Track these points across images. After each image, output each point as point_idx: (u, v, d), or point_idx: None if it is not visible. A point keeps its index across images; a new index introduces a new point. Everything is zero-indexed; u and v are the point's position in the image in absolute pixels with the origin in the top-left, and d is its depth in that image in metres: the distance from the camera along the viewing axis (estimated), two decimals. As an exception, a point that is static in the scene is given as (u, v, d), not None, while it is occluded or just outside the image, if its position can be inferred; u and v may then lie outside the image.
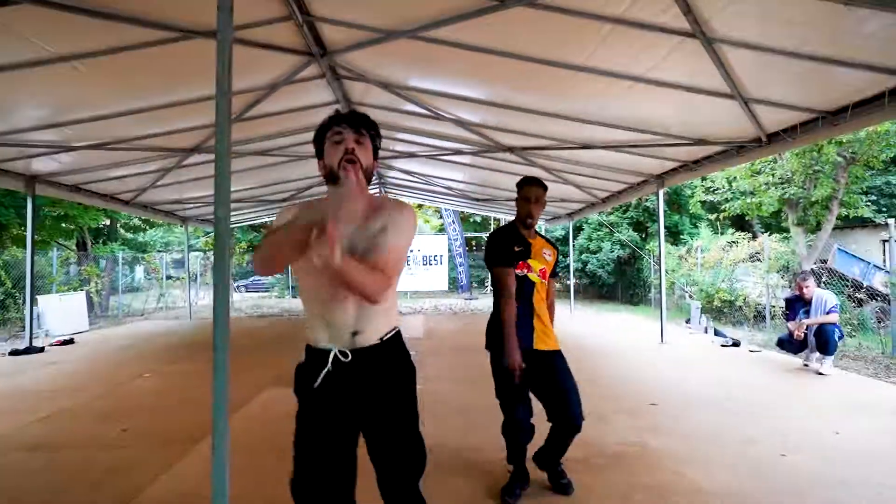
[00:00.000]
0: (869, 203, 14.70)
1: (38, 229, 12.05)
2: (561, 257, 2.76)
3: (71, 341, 7.63)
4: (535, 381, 2.51)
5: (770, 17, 2.99)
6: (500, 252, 2.56)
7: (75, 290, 10.97)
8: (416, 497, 1.55)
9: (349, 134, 1.48)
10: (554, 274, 2.70)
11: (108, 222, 16.52)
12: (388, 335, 1.53)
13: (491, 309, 2.65)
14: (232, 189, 8.02)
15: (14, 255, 9.62)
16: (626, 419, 3.71)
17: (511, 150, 6.70)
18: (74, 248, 13.99)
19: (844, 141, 8.21)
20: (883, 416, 3.76)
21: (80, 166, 6.89)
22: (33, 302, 8.59)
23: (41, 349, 6.79)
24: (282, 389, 4.48)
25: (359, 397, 1.50)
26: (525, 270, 2.57)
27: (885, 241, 13.28)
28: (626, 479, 2.71)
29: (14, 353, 6.56)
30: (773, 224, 15.41)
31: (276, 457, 3.00)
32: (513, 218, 2.75)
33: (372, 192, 1.51)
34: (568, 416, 2.44)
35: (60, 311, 9.28)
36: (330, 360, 1.46)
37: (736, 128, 4.85)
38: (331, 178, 1.49)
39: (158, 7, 3.50)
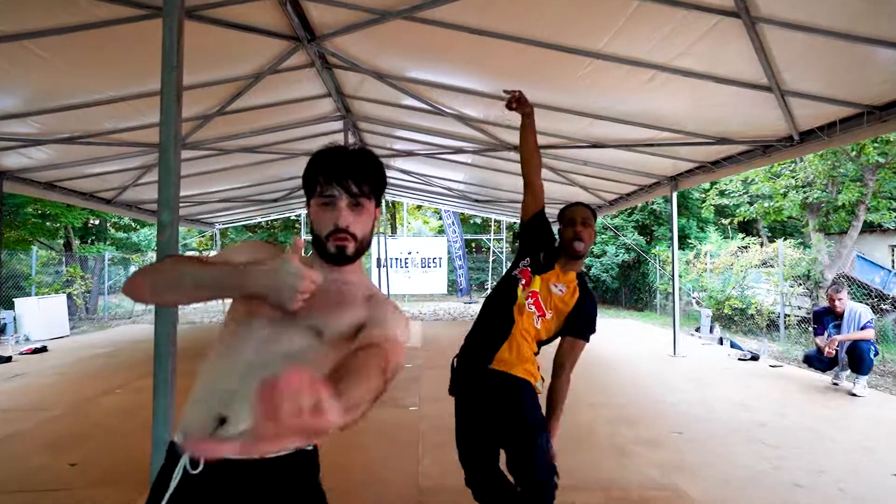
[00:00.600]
0: (891, 207, 14.25)
1: (19, 227, 11.57)
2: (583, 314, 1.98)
3: (44, 349, 7.15)
4: (490, 417, 1.89)
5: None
6: (543, 227, 2.10)
7: (56, 291, 10.50)
8: None
9: (344, 199, 1.07)
10: (575, 331, 1.93)
11: (96, 221, 16.05)
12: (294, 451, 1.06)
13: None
14: (220, 188, 7.56)
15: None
16: (649, 452, 3.27)
17: (516, 148, 6.25)
18: (62, 247, 13.51)
19: (890, 139, 7.51)
20: (938, 450, 3.33)
21: (54, 162, 6.42)
22: (7, 306, 8.12)
23: (8, 359, 6.32)
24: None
25: None
26: (522, 279, 1.98)
27: (893, 247, 12.89)
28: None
29: (-22, 362, 6.10)
30: (780, 228, 14.98)
31: None
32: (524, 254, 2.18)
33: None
34: (530, 475, 1.77)
35: (39, 315, 8.81)
36: (182, 467, 0.98)
37: (765, 124, 4.41)
38: (316, 247, 1.12)
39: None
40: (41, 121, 4.92)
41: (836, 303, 4.81)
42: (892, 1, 2.55)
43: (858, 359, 4.59)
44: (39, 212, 11.64)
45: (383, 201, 11.59)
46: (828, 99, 3.70)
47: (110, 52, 3.90)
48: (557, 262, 2.02)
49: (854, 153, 8.22)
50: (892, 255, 12.81)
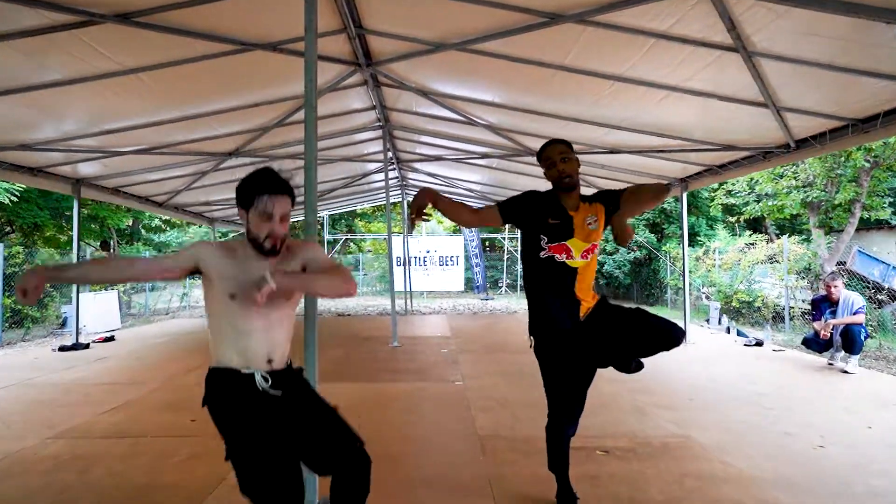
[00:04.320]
0: (884, 205, 14.73)
1: (69, 230, 12.38)
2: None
3: (112, 338, 7.92)
4: (601, 339, 2.17)
5: (808, 33, 3.15)
6: (517, 203, 2.24)
7: (106, 289, 11.28)
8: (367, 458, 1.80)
9: (278, 211, 1.64)
10: (615, 203, 2.19)
11: (131, 223, 16.88)
12: (289, 361, 1.79)
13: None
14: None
15: (51, 255, 9.92)
16: (666, 413, 3.90)
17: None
18: (98, 247, 14.34)
19: (874, 147, 8.42)
20: (912, 412, 3.92)
21: (122, 169, 7.16)
22: (72, 300, 8.88)
23: (87, 345, 7.07)
24: (328, 384, 4.69)
25: (288, 413, 1.69)
26: (563, 255, 2.14)
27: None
28: (676, 468, 2.90)
29: (62, 349, 6.84)
30: (787, 226, 15.47)
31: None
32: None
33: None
34: (658, 328, 2.14)
35: (95, 310, 9.57)
36: (258, 381, 1.65)
37: (765, 134, 5.01)
38: (254, 244, 1.67)
39: (223, 22, 3.72)
40: (120, 134, 5.61)
41: (832, 290, 5.40)
42: (864, 40, 3.15)
43: (850, 340, 5.18)
44: (86, 214, 12.43)
45: (406, 202, 12.19)
46: (817, 113, 4.30)
47: (200, 78, 4.57)
48: (564, 204, 2.19)
49: (843, 158, 8.90)
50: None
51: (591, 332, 2.17)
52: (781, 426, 3.58)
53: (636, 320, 2.16)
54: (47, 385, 4.93)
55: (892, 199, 15.44)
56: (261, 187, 1.62)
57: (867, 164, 8.97)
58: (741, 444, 3.24)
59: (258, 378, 1.65)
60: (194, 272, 1.69)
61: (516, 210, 2.24)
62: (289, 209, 1.68)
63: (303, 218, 2.59)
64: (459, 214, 2.31)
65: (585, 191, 2.28)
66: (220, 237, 20.08)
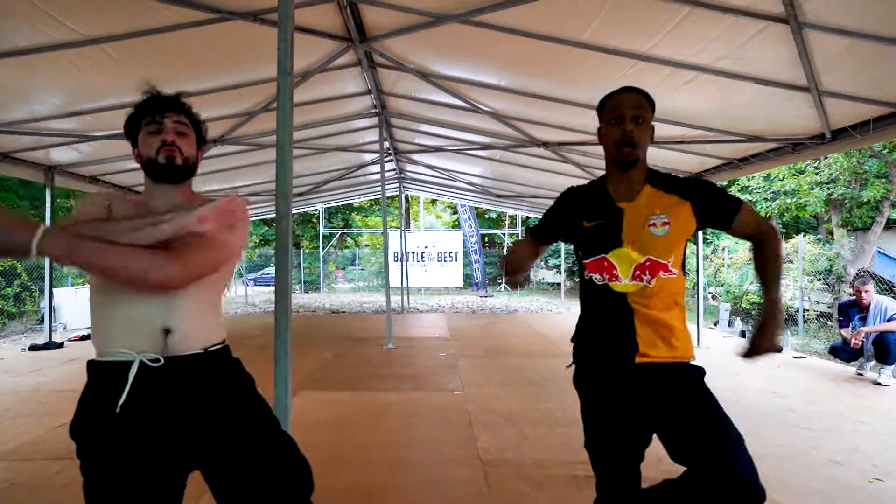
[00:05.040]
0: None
1: (52, 221, 11.90)
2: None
3: (90, 336, 7.44)
4: (653, 418, 1.43)
5: (871, -1, 2.71)
6: (547, 217, 1.62)
7: (87, 284, 10.82)
8: None
9: (169, 122, 1.30)
10: (722, 222, 1.44)
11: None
12: (215, 347, 1.30)
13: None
14: (248, 183, 7.84)
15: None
16: (690, 433, 3.47)
17: (546, 144, 6.44)
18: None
19: None
20: (965, 435, 3.50)
21: (100, 157, 6.69)
22: (53, 294, 8.40)
23: (60, 344, 6.62)
24: (314, 392, 4.27)
25: (186, 421, 1.20)
26: (603, 276, 1.45)
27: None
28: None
29: (33, 348, 6.39)
30: (792, 224, 15.04)
31: (325, 469, 2.79)
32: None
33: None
34: (724, 470, 1.28)
35: (76, 305, 9.12)
36: (133, 370, 1.16)
37: (797, 123, 4.56)
38: (150, 170, 1.31)
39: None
40: (94, 116, 5.14)
41: (863, 295, 4.97)
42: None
43: (885, 349, 4.76)
44: (67, 205, 11.95)
45: (403, 196, 11.65)
46: (863, 99, 3.85)
47: (175, 53, 4.12)
48: (614, 191, 1.48)
49: (886, 150, 8.39)
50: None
51: (647, 406, 1.43)
52: (825, 452, 3.16)
53: (707, 447, 1.31)
54: (5, 391, 4.48)
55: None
56: (142, 104, 1.33)
57: None
58: (783, 475, 2.81)
59: (136, 365, 1.18)
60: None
61: (549, 226, 1.61)
62: (187, 127, 1.34)
63: (274, 207, 2.14)
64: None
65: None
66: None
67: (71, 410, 1.19)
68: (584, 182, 1.67)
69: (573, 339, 1.61)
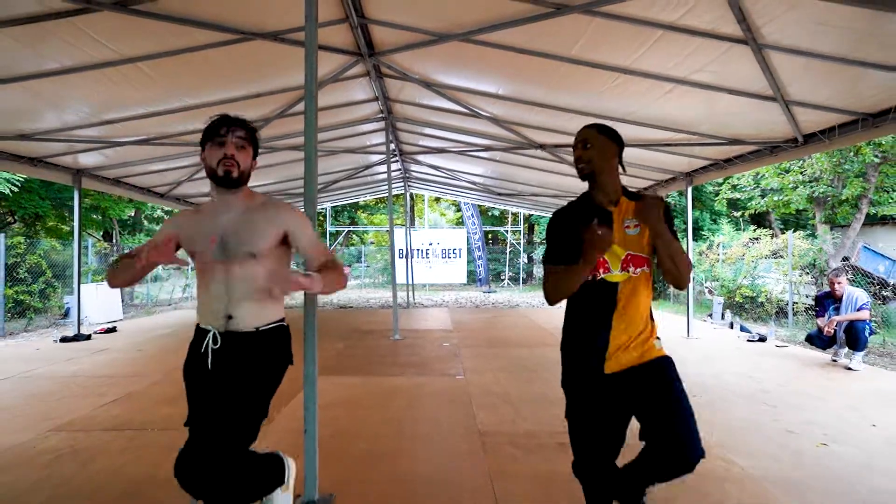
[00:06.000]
0: (891, 200, 14.65)
1: (71, 220, 12.38)
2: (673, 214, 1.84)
3: (114, 329, 7.93)
4: (631, 403, 1.76)
5: (820, 23, 3.08)
6: (552, 242, 1.82)
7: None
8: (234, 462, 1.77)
9: (231, 138, 1.73)
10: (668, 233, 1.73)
11: (133, 213, 16.87)
12: (267, 326, 1.82)
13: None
14: (261, 183, 8.34)
15: (54, 245, 9.93)
16: (667, 410, 3.86)
17: (542, 146, 6.82)
18: (100, 238, 14.36)
19: (884, 142, 8.33)
20: (917, 411, 3.89)
21: (123, 160, 7.13)
22: (73, 291, 8.88)
23: (88, 336, 7.08)
24: (328, 377, 4.69)
25: (223, 374, 1.75)
26: (599, 271, 1.74)
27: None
28: (677, 465, 2.87)
29: (64, 339, 6.84)
30: (792, 221, 15.39)
31: (341, 440, 3.21)
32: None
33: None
34: (672, 440, 1.66)
35: (97, 300, 9.58)
36: (209, 337, 1.76)
37: (772, 128, 4.94)
38: (212, 178, 1.76)
39: (223, 11, 3.66)
40: (122, 124, 5.57)
41: (836, 286, 5.35)
42: (878, 31, 3.08)
43: (854, 337, 5.14)
44: (88, 205, 12.42)
45: (408, 194, 12.10)
46: (827, 107, 4.23)
47: (200, 68, 4.52)
48: (598, 199, 1.83)
49: (852, 153, 8.82)
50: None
51: (624, 390, 1.74)
52: (784, 424, 3.55)
53: (669, 414, 1.70)
54: (48, 377, 4.93)
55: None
56: (212, 123, 1.77)
57: (876, 160, 8.91)
58: (744, 443, 3.21)
59: (210, 337, 1.74)
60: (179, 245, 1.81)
61: (560, 247, 1.79)
62: (246, 142, 1.76)
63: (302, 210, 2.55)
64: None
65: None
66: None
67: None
68: (570, 198, 2.02)
69: (562, 348, 1.90)
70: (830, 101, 4.14)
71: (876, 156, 8.86)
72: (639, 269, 1.76)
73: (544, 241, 1.91)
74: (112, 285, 1.86)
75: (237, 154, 1.72)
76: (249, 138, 1.78)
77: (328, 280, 1.73)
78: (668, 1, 3.08)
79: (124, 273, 1.76)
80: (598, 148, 1.83)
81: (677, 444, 1.67)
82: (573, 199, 1.94)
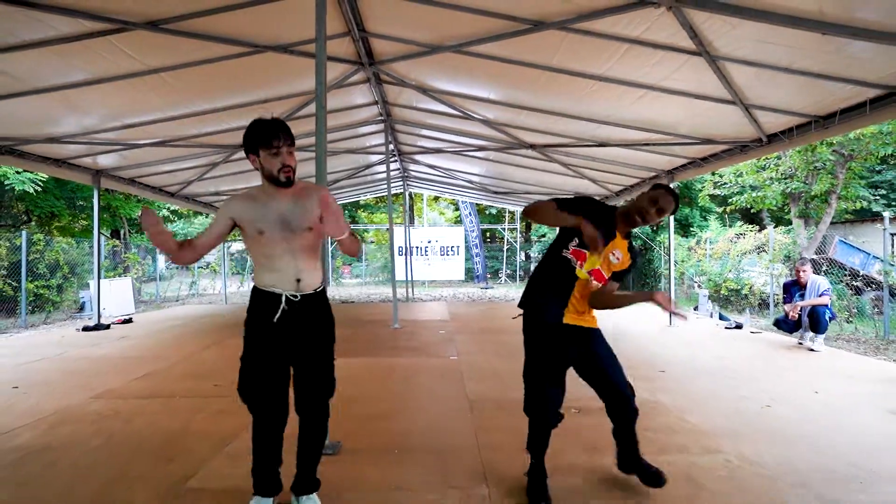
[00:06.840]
0: (878, 197, 15.10)
1: (83, 219, 12.86)
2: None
3: (130, 320, 8.40)
4: (576, 362, 2.31)
5: (765, 40, 3.53)
6: (572, 203, 2.19)
7: (119, 276, 11.77)
8: (325, 410, 2.18)
9: (284, 147, 1.99)
10: (618, 279, 2.31)
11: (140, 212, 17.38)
12: (320, 289, 2.18)
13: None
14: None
15: (69, 242, 10.40)
16: (640, 383, 4.22)
17: (532, 146, 7.28)
18: (109, 236, 14.84)
19: (835, 142, 8.86)
20: (861, 383, 4.33)
21: (139, 161, 7.58)
22: (89, 285, 9.36)
23: (108, 326, 7.55)
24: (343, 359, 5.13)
25: (298, 331, 2.07)
26: (577, 261, 2.23)
27: (893, 235, 13.66)
28: (640, 423, 3.29)
29: (86, 328, 7.32)
30: (779, 217, 15.83)
31: (345, 404, 3.66)
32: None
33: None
34: (614, 391, 2.30)
35: (111, 295, 10.05)
36: (283, 300, 2.05)
37: (739, 129, 5.39)
38: (270, 179, 2.03)
39: (240, 27, 4.12)
40: (143, 129, 6.03)
41: (801, 274, 5.80)
42: (816, 48, 3.51)
43: (816, 321, 5.59)
44: (101, 204, 12.90)
45: (407, 193, 12.50)
46: (784, 110, 4.69)
47: (215, 76, 4.97)
48: (617, 228, 2.27)
49: (809, 152, 9.36)
50: (892, 243, 13.59)
51: (571, 346, 2.29)
52: (739, 392, 4.01)
53: (606, 370, 2.31)
54: (78, 359, 5.40)
55: (884, 192, 15.80)
56: (265, 132, 1.98)
57: (835, 158, 9.43)
58: (700, 406, 3.67)
59: (284, 298, 2.05)
60: (234, 226, 2.10)
61: (573, 206, 2.18)
62: (293, 147, 2.04)
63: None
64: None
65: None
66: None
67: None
68: (564, 195, 2.55)
69: (524, 295, 2.40)
70: (785, 104, 4.59)
71: (839, 153, 9.36)
72: (596, 282, 2.27)
73: (542, 237, 2.46)
74: (178, 261, 2.14)
75: (290, 161, 2.05)
76: (293, 142, 2.09)
77: (351, 238, 2.10)
78: (630, 20, 3.53)
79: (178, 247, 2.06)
80: (663, 217, 2.26)
81: (615, 386, 2.34)
82: (604, 200, 2.48)
